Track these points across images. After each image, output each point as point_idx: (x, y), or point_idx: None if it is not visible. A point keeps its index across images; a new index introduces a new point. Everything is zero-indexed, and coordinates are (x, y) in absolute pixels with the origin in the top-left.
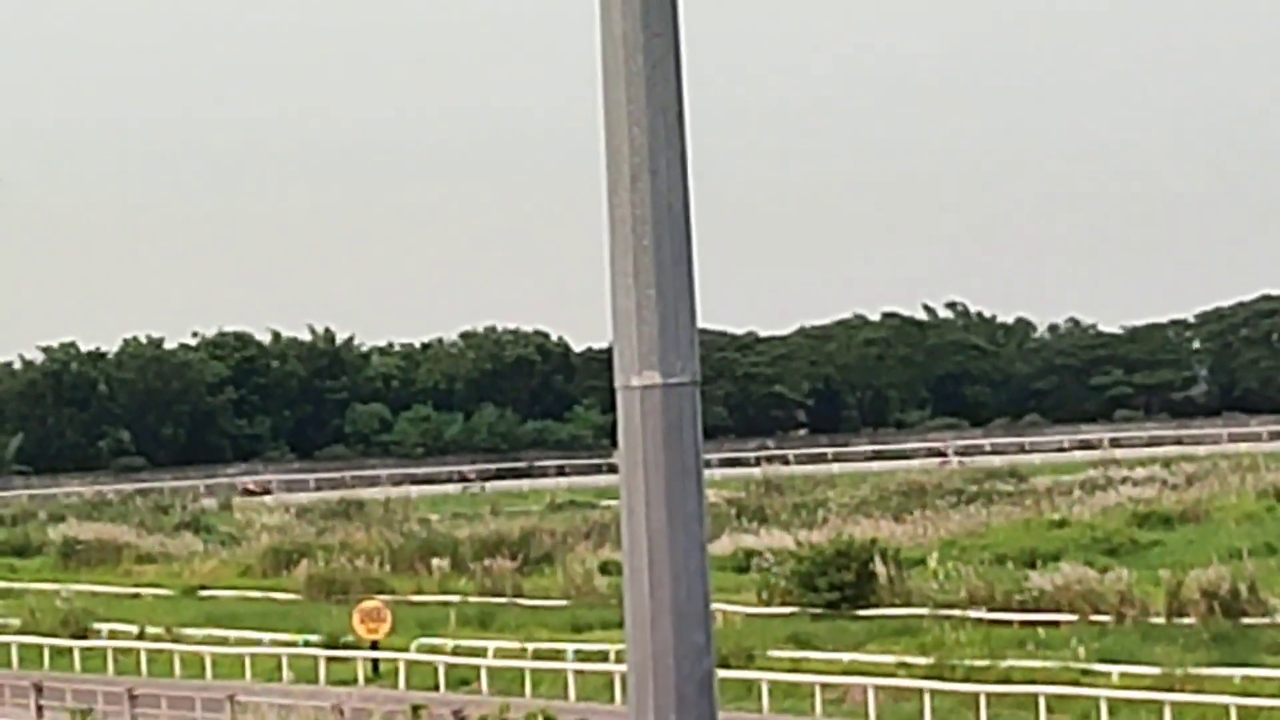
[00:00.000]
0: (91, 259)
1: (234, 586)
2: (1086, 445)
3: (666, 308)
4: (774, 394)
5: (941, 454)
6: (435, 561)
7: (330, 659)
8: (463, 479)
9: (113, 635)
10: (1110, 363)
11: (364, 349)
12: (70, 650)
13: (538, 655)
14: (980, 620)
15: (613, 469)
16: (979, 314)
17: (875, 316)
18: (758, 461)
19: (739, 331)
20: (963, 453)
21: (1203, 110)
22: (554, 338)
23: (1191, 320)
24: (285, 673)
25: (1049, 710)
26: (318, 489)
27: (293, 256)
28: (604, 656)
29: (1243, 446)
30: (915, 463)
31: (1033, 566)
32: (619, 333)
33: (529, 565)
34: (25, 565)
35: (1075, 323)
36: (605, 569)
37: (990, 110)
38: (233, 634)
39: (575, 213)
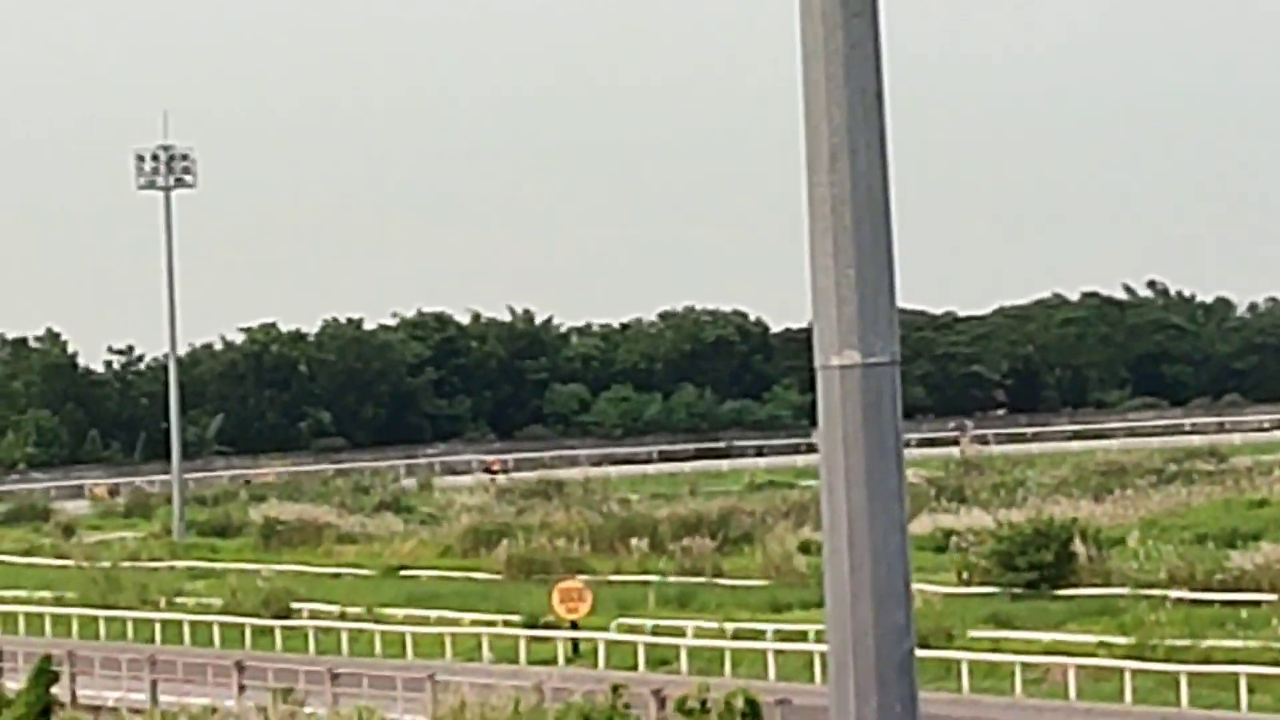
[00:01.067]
0: (292, 240)
1: (434, 566)
2: None
3: (866, 287)
4: (973, 374)
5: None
6: (634, 541)
7: (530, 639)
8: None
9: (314, 615)
10: None
11: (563, 329)
12: (271, 630)
13: (737, 635)
14: (1180, 600)
15: (811, 449)
16: (1178, 293)
17: (1074, 296)
18: (956, 441)
19: (938, 311)
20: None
21: None
22: (752, 318)
23: None
24: (485, 652)
25: (1250, 690)
26: (517, 469)
27: (492, 237)
28: (803, 636)
29: None
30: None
31: (1233, 546)
32: (819, 313)
33: (728, 545)
34: (226, 546)
35: (1275, 301)
36: (804, 548)
37: (1188, 86)
38: (433, 614)
39: (774, 193)
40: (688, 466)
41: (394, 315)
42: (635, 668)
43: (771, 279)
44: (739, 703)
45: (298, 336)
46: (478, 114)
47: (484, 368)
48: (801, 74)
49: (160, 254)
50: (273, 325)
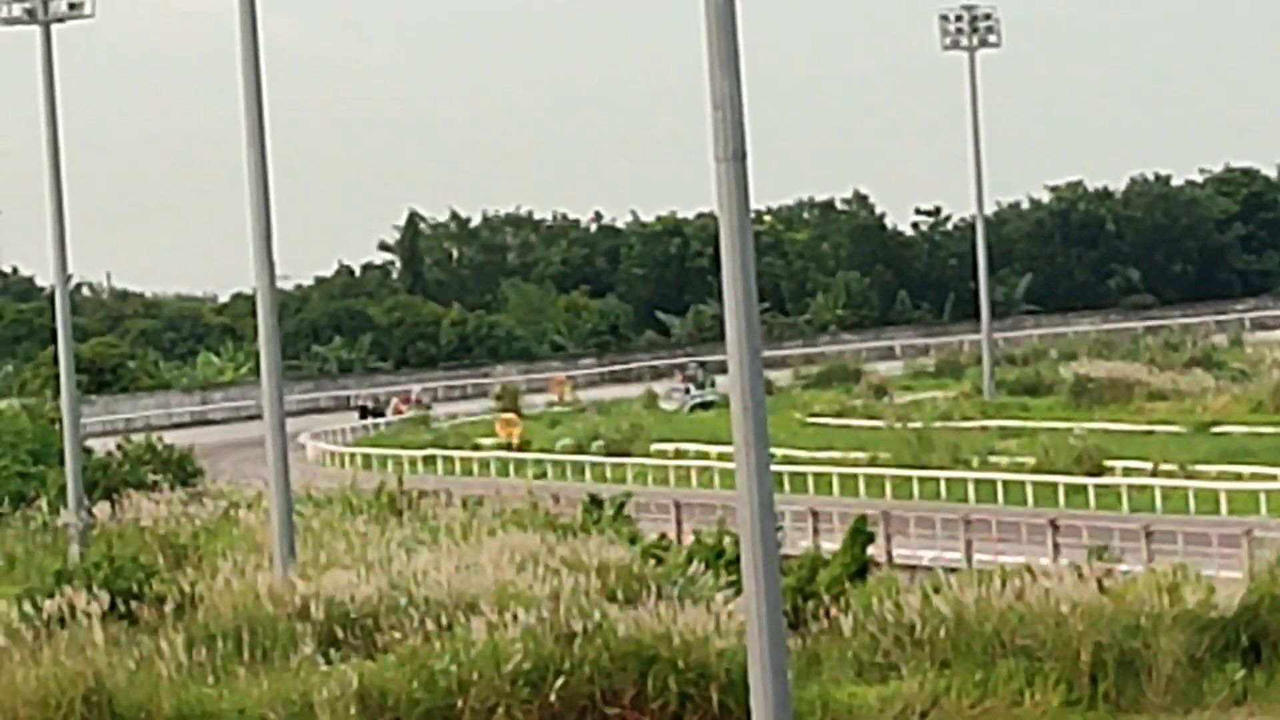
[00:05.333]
0: (1099, 98)
1: (1245, 422)
2: None
3: None
4: None
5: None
6: None
7: None
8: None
9: (1126, 472)
10: None
11: None
12: (1084, 488)
13: None
14: None
15: None
16: None
17: None
18: None
19: None
20: None
21: None
22: None
23: None
24: None
25: None
26: None
27: None
28: None
29: None
30: None
31: None
32: None
33: None
34: (1037, 404)
35: None
36: None
37: None
38: (1246, 469)
39: None
40: None
41: (1201, 171)
42: None
43: None
44: None
45: (1104, 194)
46: None
47: None
48: None
49: (965, 114)
50: (1079, 183)
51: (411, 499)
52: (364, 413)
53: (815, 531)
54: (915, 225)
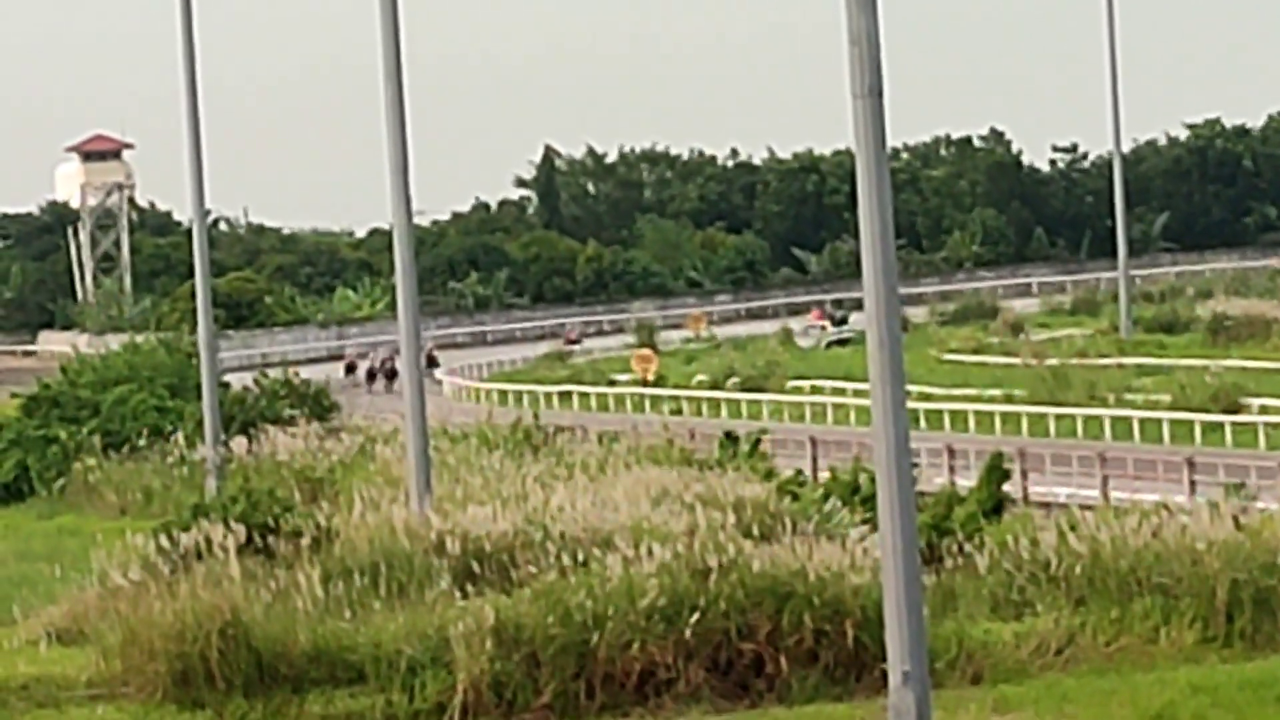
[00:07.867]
0: (1238, 32)
1: None
2: None
3: None
4: None
5: None
6: None
7: None
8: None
9: (1263, 410)
10: None
11: None
12: (1221, 425)
13: None
14: None
15: None
16: None
17: None
18: None
19: None
20: None
21: None
22: None
23: None
24: None
25: None
26: None
27: None
28: None
29: None
30: None
31: None
32: None
33: None
34: (1173, 341)
35: None
36: None
37: None
38: None
39: None
40: None
41: None
42: None
43: None
44: None
45: (1242, 131)
46: None
47: None
48: None
49: (1102, 51)
50: (1216, 120)
51: (547, 434)
52: (354, 371)
53: (951, 468)
54: (1052, 162)
